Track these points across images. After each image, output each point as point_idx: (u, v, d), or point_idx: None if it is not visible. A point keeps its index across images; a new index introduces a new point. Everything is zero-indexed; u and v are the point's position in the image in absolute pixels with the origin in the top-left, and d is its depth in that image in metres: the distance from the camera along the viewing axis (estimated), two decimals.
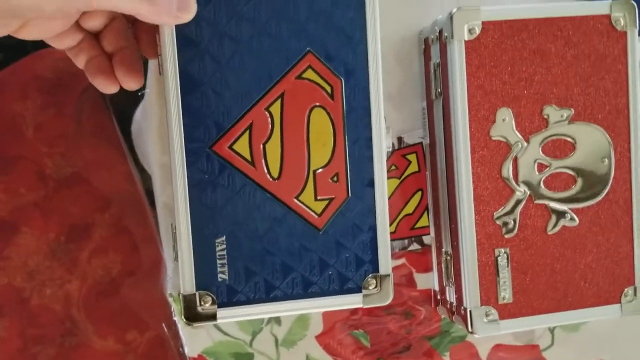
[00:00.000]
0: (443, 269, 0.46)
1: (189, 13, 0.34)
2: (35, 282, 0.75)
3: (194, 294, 0.38)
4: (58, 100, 0.75)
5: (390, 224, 0.48)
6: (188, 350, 0.47)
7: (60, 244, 0.76)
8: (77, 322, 0.77)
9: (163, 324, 0.53)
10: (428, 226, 0.48)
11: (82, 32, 0.37)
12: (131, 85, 0.39)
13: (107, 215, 0.76)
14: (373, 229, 0.41)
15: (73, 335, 0.76)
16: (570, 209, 0.44)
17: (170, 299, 0.45)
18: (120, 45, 0.38)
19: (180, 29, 0.37)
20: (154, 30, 0.38)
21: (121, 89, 0.53)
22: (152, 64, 0.44)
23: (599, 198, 0.44)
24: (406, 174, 0.48)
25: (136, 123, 0.49)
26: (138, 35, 0.40)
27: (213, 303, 0.39)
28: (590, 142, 0.44)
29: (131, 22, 0.40)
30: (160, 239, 0.46)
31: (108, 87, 0.39)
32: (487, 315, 0.43)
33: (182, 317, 0.39)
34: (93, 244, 0.76)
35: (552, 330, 0.51)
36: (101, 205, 0.75)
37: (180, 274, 0.38)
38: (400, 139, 0.48)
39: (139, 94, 0.45)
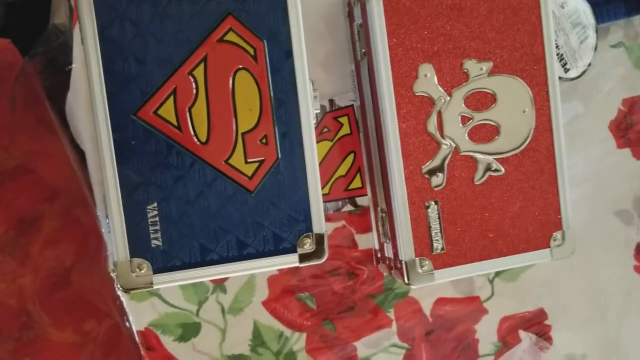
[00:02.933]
0: (380, 227, 0.47)
1: None
2: None
3: (128, 261, 0.39)
4: None
5: (324, 186, 0.49)
6: (135, 324, 0.48)
7: (10, 238, 0.75)
8: (33, 315, 0.76)
9: (111, 303, 0.53)
10: (361, 187, 0.50)
11: None
12: None
13: (56, 206, 0.75)
14: (305, 188, 0.42)
15: (30, 328, 0.76)
16: (495, 159, 0.45)
17: (113, 275, 0.45)
18: None
19: None
20: None
21: (53, 74, 0.53)
22: (77, 37, 0.44)
23: (522, 147, 0.46)
24: (338, 136, 0.49)
25: (68, 102, 0.48)
26: None
27: (148, 269, 0.39)
28: (510, 93, 0.45)
29: None
30: (98, 217, 0.46)
31: None
32: (421, 266, 0.44)
33: (117, 285, 0.39)
34: (43, 236, 0.75)
35: (491, 281, 0.53)
36: (49, 196, 0.75)
37: (113, 243, 0.39)
38: (331, 102, 0.49)
39: (67, 69, 0.45)
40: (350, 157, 0.50)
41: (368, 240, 0.51)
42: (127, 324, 0.49)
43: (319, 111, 0.43)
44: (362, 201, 0.50)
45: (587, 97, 0.55)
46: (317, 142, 0.48)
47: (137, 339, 0.48)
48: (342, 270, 0.50)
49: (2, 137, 0.73)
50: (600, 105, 0.55)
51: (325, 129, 0.49)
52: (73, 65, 0.44)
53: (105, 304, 0.69)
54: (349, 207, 0.50)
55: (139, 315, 0.47)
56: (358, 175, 0.50)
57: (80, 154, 0.54)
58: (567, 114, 0.53)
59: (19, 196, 0.75)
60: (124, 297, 0.47)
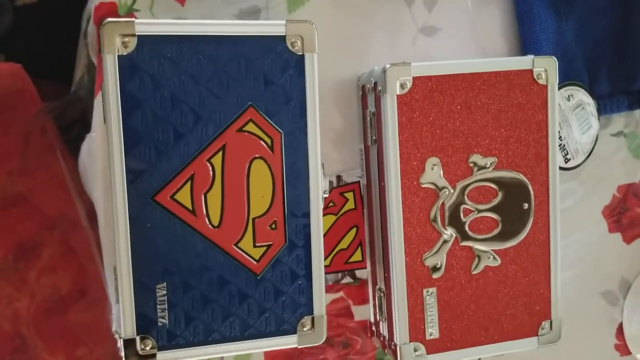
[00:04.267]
0: (377, 305, 0.49)
1: None
2: None
3: (134, 338, 0.40)
4: (3, 118, 0.74)
5: (326, 258, 0.50)
6: None
7: (8, 262, 0.76)
8: (27, 339, 0.77)
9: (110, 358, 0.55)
10: (361, 261, 0.51)
11: None
12: None
13: (56, 234, 0.76)
14: (308, 274, 0.43)
15: (23, 352, 0.77)
16: (492, 249, 0.47)
17: (116, 336, 0.47)
18: None
19: (124, 84, 0.39)
20: None
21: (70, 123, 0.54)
22: (98, 107, 0.45)
23: (519, 239, 0.48)
24: (343, 210, 0.51)
25: (82, 161, 0.50)
26: None
27: (153, 347, 0.40)
28: (512, 188, 0.47)
29: None
30: (105, 278, 0.47)
31: None
32: (415, 350, 0.46)
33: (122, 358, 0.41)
34: (42, 262, 0.76)
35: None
36: (49, 224, 0.76)
37: (121, 319, 0.40)
38: (339, 178, 0.51)
39: (86, 135, 0.46)
40: (353, 231, 0.51)
41: (364, 312, 0.52)
42: None
43: (327, 196, 0.45)
44: (361, 274, 0.52)
45: (585, 182, 0.57)
46: (323, 216, 0.50)
47: None
48: (336, 339, 0.52)
49: (9, 163, 0.74)
50: (597, 191, 0.57)
51: (331, 204, 0.50)
52: (93, 134, 0.45)
53: (95, 346, 0.70)
54: (348, 279, 0.52)
55: None
56: (359, 249, 0.51)
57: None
58: (564, 197, 0.55)
59: (20, 222, 0.75)
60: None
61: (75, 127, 0.53)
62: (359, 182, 0.51)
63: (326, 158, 0.48)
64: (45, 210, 0.72)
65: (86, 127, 0.47)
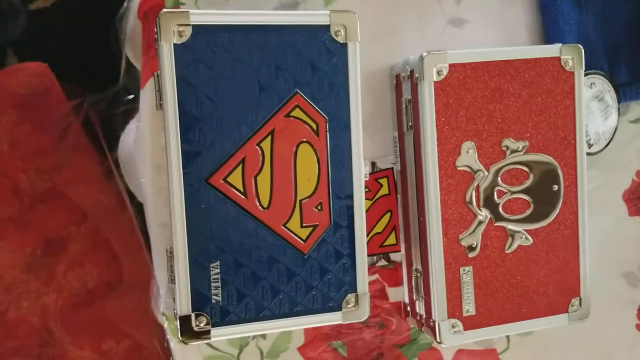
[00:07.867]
0: (413, 285, 0.51)
1: None
2: (11, 296, 0.77)
3: (190, 315, 0.42)
4: (33, 116, 0.76)
5: None
6: None
7: (36, 257, 0.77)
8: (54, 333, 0.78)
9: (155, 341, 0.56)
10: (395, 244, 0.53)
11: None
12: None
13: (83, 229, 0.78)
14: (352, 253, 0.45)
15: (50, 346, 0.78)
16: (525, 229, 0.49)
17: (162, 318, 0.48)
18: None
19: (179, 71, 0.41)
20: None
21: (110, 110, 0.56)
22: (146, 97, 0.47)
23: (550, 220, 0.50)
24: (378, 196, 0.53)
25: (124, 151, 0.51)
26: None
27: (207, 323, 0.42)
28: (542, 170, 0.49)
29: None
30: (152, 259, 0.49)
31: None
32: (453, 327, 0.48)
33: (178, 335, 0.42)
34: (69, 257, 0.78)
35: (508, 336, 0.57)
36: (77, 219, 0.77)
37: (177, 297, 0.42)
38: (373, 164, 0.53)
39: (134, 125, 0.48)
40: (387, 216, 0.53)
41: (398, 294, 0.54)
42: None
43: (367, 179, 0.47)
44: (395, 257, 0.54)
45: (605, 168, 0.59)
46: None
47: None
48: (372, 320, 0.54)
49: (38, 159, 0.76)
50: (617, 176, 0.59)
51: (366, 189, 0.52)
52: (139, 123, 0.47)
53: (135, 332, 0.71)
54: (382, 262, 0.53)
55: (183, 356, 0.50)
56: (393, 233, 0.53)
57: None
58: (587, 182, 0.57)
59: (48, 218, 0.77)
60: (171, 340, 0.50)
61: (118, 118, 0.54)
62: (392, 168, 0.53)
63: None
64: (77, 204, 0.74)
65: (126, 119, 0.48)
